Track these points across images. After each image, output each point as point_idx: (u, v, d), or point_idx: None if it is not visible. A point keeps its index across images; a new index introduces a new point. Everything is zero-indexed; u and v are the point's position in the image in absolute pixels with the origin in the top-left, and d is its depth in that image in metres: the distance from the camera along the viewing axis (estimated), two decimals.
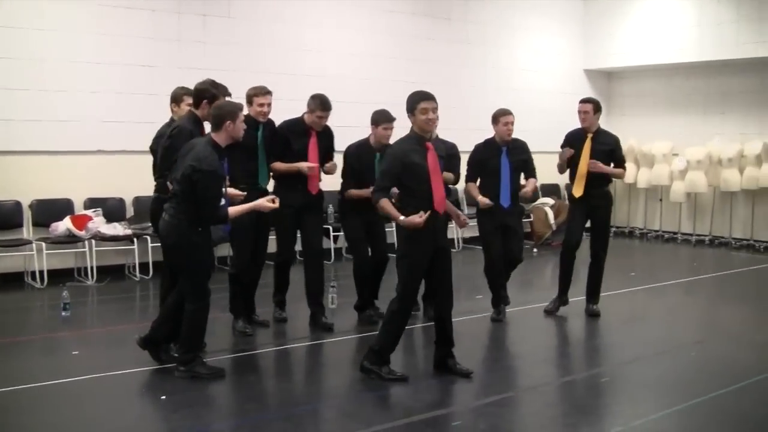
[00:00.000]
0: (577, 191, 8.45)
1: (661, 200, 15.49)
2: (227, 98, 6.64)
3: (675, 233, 15.39)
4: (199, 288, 6.20)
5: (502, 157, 8.15)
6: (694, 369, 6.98)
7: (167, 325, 6.42)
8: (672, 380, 6.60)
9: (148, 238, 10.18)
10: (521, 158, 8.25)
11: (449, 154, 7.60)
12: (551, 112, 14.27)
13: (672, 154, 14.94)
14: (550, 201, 14.35)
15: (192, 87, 6.98)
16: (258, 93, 7.57)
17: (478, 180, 8.30)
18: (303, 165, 7.69)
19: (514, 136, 8.21)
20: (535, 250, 13.18)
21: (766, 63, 14.05)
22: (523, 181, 8.35)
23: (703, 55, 14.42)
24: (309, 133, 7.83)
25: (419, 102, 6.11)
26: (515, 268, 8.53)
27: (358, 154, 8.09)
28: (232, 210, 6.23)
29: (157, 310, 7.30)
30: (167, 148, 6.50)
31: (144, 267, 10.34)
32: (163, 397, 5.91)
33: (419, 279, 6.33)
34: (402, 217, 6.05)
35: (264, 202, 6.41)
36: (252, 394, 6.16)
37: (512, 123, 8.13)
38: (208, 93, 6.57)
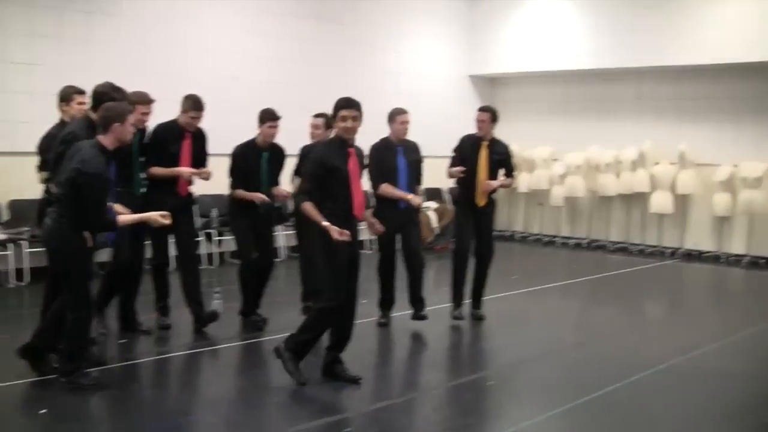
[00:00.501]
0: (481, 200, 8.51)
1: (540, 204, 15.87)
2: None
3: (554, 237, 15.78)
4: (81, 296, 5.98)
5: (399, 156, 8.16)
6: (576, 369, 7.15)
7: (49, 333, 6.19)
8: (556, 381, 6.76)
9: (25, 243, 9.81)
10: (415, 158, 8.28)
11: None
12: (437, 116, 14.44)
13: (552, 160, 15.35)
14: (433, 205, 14.49)
15: (69, 85, 6.85)
16: (143, 102, 7.35)
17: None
18: (185, 171, 7.60)
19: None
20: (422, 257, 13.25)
21: (641, 73, 14.57)
22: None
23: (583, 63, 14.85)
24: (183, 135, 7.73)
25: (340, 109, 6.22)
26: (421, 265, 8.35)
27: (245, 153, 8.06)
28: (123, 218, 6.06)
29: (34, 319, 7.05)
30: (60, 154, 6.26)
31: (19, 273, 9.94)
32: (44, 410, 5.67)
33: (343, 278, 6.24)
34: (325, 222, 6.04)
35: (156, 216, 6.22)
36: (136, 405, 5.99)
37: (408, 122, 8.18)
38: (107, 96, 6.36)
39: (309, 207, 6.16)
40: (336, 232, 5.98)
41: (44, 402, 5.81)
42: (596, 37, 14.63)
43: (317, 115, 8.37)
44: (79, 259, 5.96)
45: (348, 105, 6.23)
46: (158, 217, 6.21)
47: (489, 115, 8.47)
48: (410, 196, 8.03)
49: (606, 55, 14.49)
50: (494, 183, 8.49)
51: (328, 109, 7.98)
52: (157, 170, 7.63)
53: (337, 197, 6.21)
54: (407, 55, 15.24)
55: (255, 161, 8.06)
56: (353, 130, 6.26)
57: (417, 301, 8.32)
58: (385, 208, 8.02)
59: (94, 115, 6.53)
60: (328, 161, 6.20)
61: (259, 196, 7.96)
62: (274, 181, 8.26)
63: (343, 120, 6.19)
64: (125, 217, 6.15)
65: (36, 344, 6.25)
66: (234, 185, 8.12)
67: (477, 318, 8.68)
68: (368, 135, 7.14)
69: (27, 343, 6.29)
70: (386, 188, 8.10)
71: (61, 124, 6.99)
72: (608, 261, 14.00)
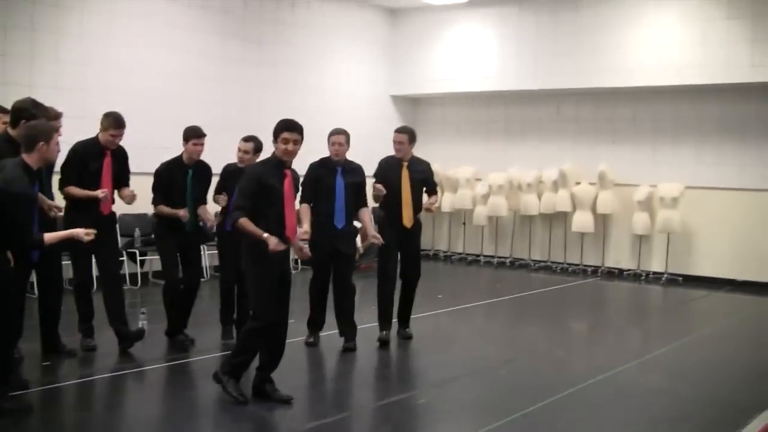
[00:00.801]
0: (408, 221, 8.45)
1: (464, 224, 16.01)
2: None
3: (478, 256, 15.92)
4: (3, 319, 5.79)
5: (337, 176, 8.06)
6: (505, 387, 7.22)
7: None
8: (486, 399, 6.82)
9: None
10: (356, 180, 8.10)
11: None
12: (359, 137, 14.16)
13: (475, 179, 15.52)
14: (357, 224, 14.45)
15: None
16: (55, 117, 7.06)
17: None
18: (98, 193, 7.46)
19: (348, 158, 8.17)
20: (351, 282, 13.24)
21: (561, 95, 14.85)
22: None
23: (504, 85, 15.07)
24: (104, 153, 7.62)
25: (282, 131, 6.20)
26: (350, 296, 8.27)
27: (170, 170, 8.01)
28: (49, 237, 5.90)
29: None
30: None
31: None
32: None
33: (273, 297, 6.20)
34: (266, 235, 5.99)
35: (80, 232, 6.08)
36: (62, 430, 5.84)
37: (341, 143, 8.04)
38: (27, 113, 6.23)
39: (245, 221, 6.09)
40: (274, 243, 5.96)
41: None
42: (517, 60, 14.87)
43: (247, 139, 8.13)
44: (3, 282, 5.75)
45: (290, 128, 6.22)
46: (82, 233, 6.07)
47: (407, 136, 8.43)
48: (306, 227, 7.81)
49: (527, 77, 14.73)
50: (435, 205, 8.67)
51: (254, 129, 8.00)
52: (74, 191, 7.51)
53: (270, 217, 6.17)
54: (330, 74, 15.21)
55: (180, 178, 7.99)
56: (293, 153, 6.26)
57: (347, 329, 8.26)
58: (322, 227, 7.94)
59: (12, 132, 6.41)
60: (263, 179, 6.18)
61: (179, 212, 7.88)
62: (200, 199, 8.17)
63: (285, 142, 6.18)
64: (50, 235, 5.99)
65: None
66: (157, 201, 8.02)
67: (405, 337, 8.66)
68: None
69: None
70: (304, 209, 7.99)
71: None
72: (531, 279, 14.19)
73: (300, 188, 7.08)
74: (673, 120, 14.00)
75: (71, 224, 6.69)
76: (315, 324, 8.43)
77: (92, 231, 6.13)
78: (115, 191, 7.81)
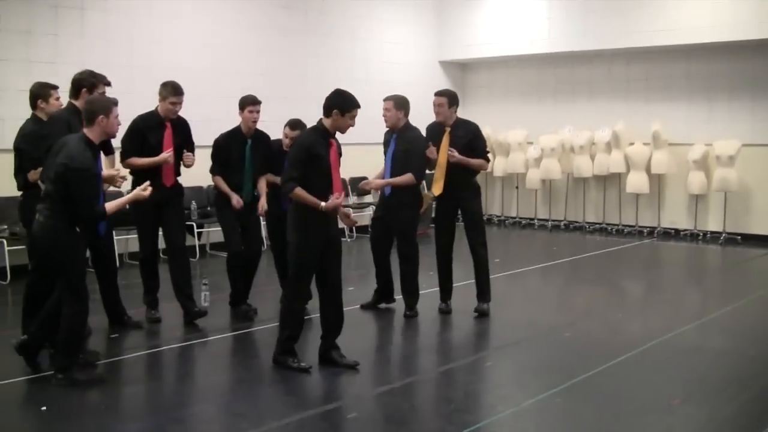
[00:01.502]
0: (437, 189, 8.20)
1: (517, 188, 15.94)
2: (106, 87, 6.57)
3: (531, 219, 15.86)
4: (77, 291, 5.90)
5: (391, 143, 8.11)
6: (570, 349, 7.21)
7: (44, 330, 6.11)
8: (550, 361, 6.81)
9: (3, 241, 9.69)
10: (404, 148, 8.05)
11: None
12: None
13: (527, 143, 15.40)
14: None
15: (41, 82, 6.89)
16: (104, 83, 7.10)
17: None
18: (159, 157, 7.52)
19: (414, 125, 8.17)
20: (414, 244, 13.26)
21: (612, 54, 14.65)
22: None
23: (554, 46, 14.91)
24: (164, 125, 7.67)
25: (355, 108, 6.30)
26: (406, 263, 8.28)
27: (229, 142, 8.06)
28: (109, 206, 5.96)
29: (16, 317, 6.98)
30: (43, 137, 6.17)
31: (1, 272, 9.82)
32: (44, 408, 5.61)
33: (312, 267, 6.33)
34: (323, 203, 6.12)
35: (139, 192, 6.19)
36: (136, 399, 5.94)
37: (387, 109, 8.07)
38: (87, 82, 6.34)
39: (300, 191, 6.19)
40: (332, 204, 6.15)
41: (43, 399, 5.74)
42: (567, 21, 14.69)
43: (293, 127, 8.01)
44: (73, 255, 5.90)
45: (359, 106, 6.35)
46: (141, 192, 6.17)
47: (445, 98, 8.12)
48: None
49: (577, 38, 14.56)
50: (456, 156, 7.94)
51: (301, 100, 7.96)
52: (135, 161, 7.59)
53: (317, 186, 6.24)
54: (377, 42, 15.18)
55: (239, 149, 8.03)
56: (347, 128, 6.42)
57: (407, 296, 8.33)
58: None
59: (77, 103, 6.49)
60: (313, 149, 6.26)
61: (234, 197, 7.94)
62: (260, 170, 8.20)
63: (353, 119, 6.35)
64: (111, 204, 6.02)
65: (31, 341, 6.18)
66: (214, 171, 8.11)
67: (481, 313, 8.22)
68: None
69: (23, 339, 6.23)
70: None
71: (36, 121, 6.88)
72: (587, 242, 14.11)
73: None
74: (728, 76, 13.75)
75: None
76: (379, 291, 8.56)
77: (146, 184, 6.22)
78: (181, 164, 7.86)
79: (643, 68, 14.62)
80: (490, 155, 8.56)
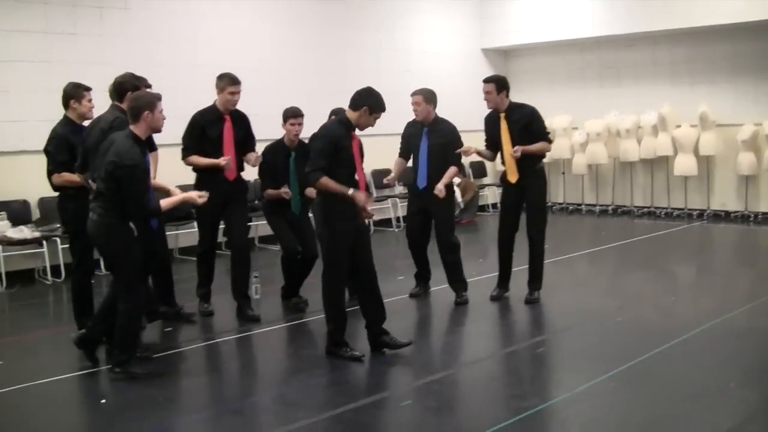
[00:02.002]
0: (512, 176, 8.08)
1: (563, 173, 15.85)
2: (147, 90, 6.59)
3: (579, 204, 15.78)
4: (132, 287, 6.00)
5: (423, 137, 8.17)
6: (622, 334, 7.17)
7: (101, 324, 6.22)
8: (604, 346, 6.78)
9: (58, 239, 9.86)
10: (440, 141, 8.11)
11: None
12: (451, 94, 14.20)
13: (572, 128, 15.31)
14: (456, 179, 14.42)
15: (75, 82, 6.97)
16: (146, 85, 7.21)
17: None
18: (220, 160, 7.55)
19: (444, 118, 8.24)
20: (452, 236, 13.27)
21: (656, 37, 14.50)
22: None
23: (597, 30, 14.77)
24: (222, 118, 7.70)
25: (381, 111, 6.42)
26: (452, 252, 8.30)
27: (274, 153, 8.13)
28: (164, 203, 6.05)
29: (72, 313, 7.11)
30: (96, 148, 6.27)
31: (55, 270, 9.99)
32: (103, 400, 5.73)
33: (345, 258, 6.38)
34: (351, 191, 6.19)
35: (194, 195, 6.24)
36: (193, 391, 6.03)
37: (417, 103, 8.10)
38: (130, 84, 6.44)
39: (327, 180, 6.26)
40: (362, 197, 6.22)
41: (102, 392, 5.87)
42: (610, 4, 14.56)
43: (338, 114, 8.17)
44: (127, 251, 5.98)
45: (384, 109, 6.46)
46: (195, 195, 6.22)
47: (493, 85, 7.95)
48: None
49: (620, 21, 14.43)
50: (516, 153, 7.82)
51: (341, 93, 7.95)
52: (196, 160, 7.65)
53: (343, 177, 6.30)
54: (418, 32, 15.18)
55: (283, 162, 8.09)
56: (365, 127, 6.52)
57: (456, 284, 8.37)
58: (409, 186, 8.11)
59: (121, 105, 6.60)
60: (339, 141, 6.32)
61: (282, 190, 8.00)
62: (305, 182, 8.22)
63: (376, 119, 6.45)
64: (165, 201, 6.12)
65: (89, 335, 6.29)
66: (264, 185, 8.20)
67: (531, 302, 8.17)
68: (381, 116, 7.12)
69: (81, 333, 6.35)
70: (395, 163, 8.47)
71: (67, 122, 6.98)
72: (635, 226, 14.02)
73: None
74: None
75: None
76: (417, 276, 8.62)
77: (205, 194, 6.25)
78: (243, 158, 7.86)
79: (687, 49, 14.44)
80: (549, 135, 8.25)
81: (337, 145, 6.27)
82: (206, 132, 7.63)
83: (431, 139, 8.15)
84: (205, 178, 7.65)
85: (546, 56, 16.33)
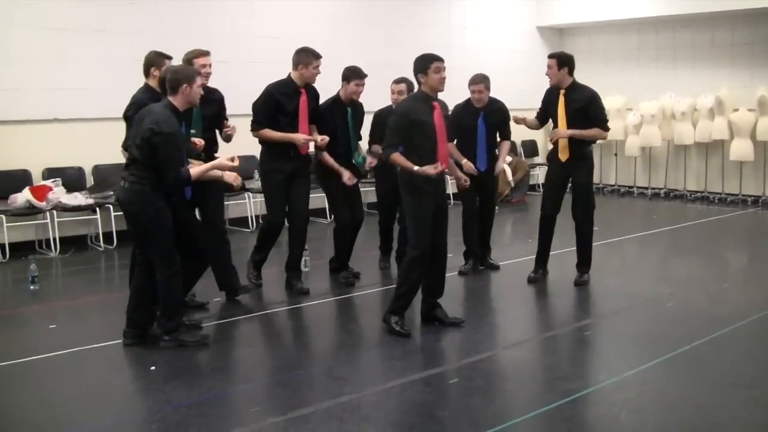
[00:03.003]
0: (563, 155, 7.99)
1: (616, 155, 15.65)
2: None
3: (631, 187, 15.59)
4: (168, 254, 6.02)
5: (479, 120, 8.22)
6: (672, 319, 7.07)
7: (140, 309, 6.22)
8: (654, 331, 6.70)
9: (110, 207, 9.98)
10: (497, 121, 8.38)
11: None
12: (505, 71, 14.17)
13: (626, 109, 15.11)
14: (508, 158, 14.36)
15: (157, 51, 6.90)
16: (197, 55, 7.16)
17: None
18: (299, 138, 7.54)
19: (493, 96, 8.35)
20: (496, 207, 13.20)
21: (715, 18, 14.22)
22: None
23: (654, 10, 14.52)
24: (299, 92, 7.64)
25: (433, 62, 6.33)
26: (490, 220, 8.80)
27: (332, 110, 8.03)
28: (194, 171, 6.03)
29: (124, 280, 7.16)
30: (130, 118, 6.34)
31: (107, 236, 10.14)
32: (153, 368, 5.79)
33: (428, 229, 6.40)
34: (416, 168, 6.18)
35: (224, 161, 6.19)
36: (242, 361, 6.09)
37: (480, 91, 8.24)
38: (157, 63, 6.61)
39: (398, 156, 6.29)
40: (429, 169, 6.14)
41: (152, 359, 5.92)
42: None
43: (398, 81, 8.22)
44: (162, 219, 5.98)
45: (440, 58, 6.38)
46: (226, 162, 6.15)
47: (555, 60, 7.88)
48: (465, 162, 8.16)
49: (678, 1, 14.14)
50: (562, 132, 7.86)
51: (398, 68, 7.95)
52: (271, 134, 7.58)
53: (422, 151, 6.30)
54: (473, 8, 15.06)
55: (342, 117, 8.05)
56: (444, 81, 6.40)
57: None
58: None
59: (149, 82, 6.64)
60: (413, 115, 6.32)
61: (346, 174, 7.93)
62: (358, 137, 8.29)
63: (438, 71, 6.32)
64: (196, 169, 6.07)
65: (133, 324, 6.25)
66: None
67: (579, 284, 8.10)
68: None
69: (126, 328, 6.27)
70: (450, 149, 8.08)
71: (147, 89, 7.01)
72: (687, 210, 13.82)
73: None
74: None
75: (266, 166, 6.94)
76: (467, 254, 8.74)
77: (235, 156, 6.17)
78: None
79: (748, 31, 14.11)
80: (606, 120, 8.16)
81: (410, 119, 6.28)
82: (283, 105, 7.57)
83: (488, 121, 8.31)
84: (275, 151, 7.64)
85: (601, 35, 16.10)
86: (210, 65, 7.20)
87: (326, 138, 7.69)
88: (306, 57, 7.59)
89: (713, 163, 14.57)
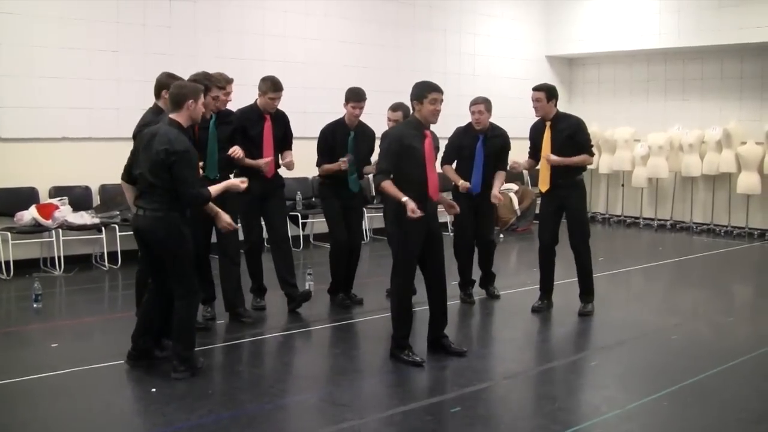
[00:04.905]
0: (543, 185, 8.07)
1: (623, 185, 15.65)
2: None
3: (637, 218, 15.58)
4: (188, 278, 5.95)
5: (478, 144, 8.21)
6: (677, 352, 7.02)
7: (147, 336, 6.18)
8: (658, 363, 6.65)
9: (116, 226, 9.99)
10: (496, 148, 8.31)
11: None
12: (513, 99, 14.14)
13: (634, 140, 15.12)
14: (514, 187, 14.38)
15: (168, 72, 6.87)
16: (223, 83, 7.30)
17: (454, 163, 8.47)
18: (260, 163, 7.65)
19: (496, 123, 8.34)
20: (501, 235, 13.19)
21: (725, 50, 14.24)
22: None
23: (664, 42, 14.56)
24: (263, 117, 7.76)
25: (431, 92, 6.29)
26: (490, 251, 8.67)
27: (334, 131, 8.14)
28: (213, 189, 6.03)
29: (128, 300, 7.16)
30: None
31: (112, 256, 10.13)
32: (154, 389, 5.75)
33: (414, 258, 6.38)
34: (405, 198, 6.13)
35: (236, 182, 6.28)
36: (242, 385, 6.01)
37: (480, 112, 8.19)
38: (167, 85, 6.41)
39: (387, 184, 6.27)
40: (410, 209, 6.06)
41: (154, 381, 5.88)
42: (678, 15, 14.32)
43: (395, 108, 8.24)
44: (185, 242, 5.93)
45: (438, 88, 6.37)
46: (238, 183, 6.26)
47: (544, 93, 7.87)
48: (461, 182, 8.17)
49: (688, 34, 14.18)
50: (553, 158, 7.85)
51: (406, 92, 7.95)
52: (241, 161, 7.59)
53: (412, 178, 6.29)
54: (483, 36, 15.13)
55: (342, 140, 8.12)
56: (439, 113, 6.39)
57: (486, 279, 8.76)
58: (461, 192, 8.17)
59: (159, 104, 6.64)
60: (405, 140, 6.30)
61: (340, 163, 8.00)
62: (364, 161, 8.31)
63: (433, 102, 6.29)
64: (214, 188, 6.10)
65: (140, 349, 6.20)
66: (320, 163, 8.21)
67: (583, 314, 8.07)
68: (447, 119, 7.10)
69: (132, 352, 6.22)
70: (446, 170, 8.36)
71: (157, 111, 7.01)
72: (693, 243, 13.78)
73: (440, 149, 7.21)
74: None
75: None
76: (463, 283, 8.64)
77: (245, 179, 6.34)
78: (279, 155, 7.98)
79: (757, 65, 14.14)
80: (594, 150, 8.34)
81: (402, 144, 6.27)
82: (247, 131, 7.68)
83: (488, 146, 8.25)
84: (244, 175, 7.64)
85: (611, 66, 16.15)
86: (231, 91, 7.38)
87: (268, 159, 7.69)
88: (264, 85, 7.73)
89: (720, 195, 14.54)
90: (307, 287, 8.41)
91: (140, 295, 6.68)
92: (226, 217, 6.42)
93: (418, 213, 6.07)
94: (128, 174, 6.43)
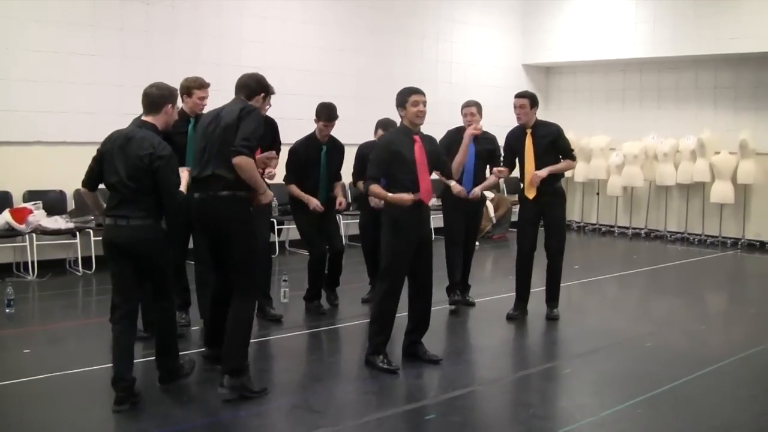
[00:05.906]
0: (530, 193, 8.05)
1: (598, 194, 15.76)
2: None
3: (612, 226, 15.66)
4: (168, 287, 5.83)
5: (470, 145, 8.12)
6: (650, 359, 7.06)
7: (167, 356, 5.94)
8: (632, 371, 6.68)
9: (91, 231, 9.93)
10: (487, 149, 8.34)
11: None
12: (490, 106, 14.09)
13: (609, 149, 15.22)
14: (489, 194, 14.40)
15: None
16: (199, 86, 7.20)
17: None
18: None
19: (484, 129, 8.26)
20: (476, 243, 13.18)
21: (699, 62, 14.38)
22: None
23: (640, 52, 14.68)
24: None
25: (410, 95, 6.35)
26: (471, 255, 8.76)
27: (306, 146, 8.10)
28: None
29: (102, 306, 7.08)
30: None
31: (86, 261, 10.06)
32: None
33: (404, 267, 6.39)
34: (391, 194, 6.20)
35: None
36: (215, 393, 5.98)
37: (473, 114, 8.19)
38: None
39: (374, 187, 6.33)
40: (404, 195, 6.15)
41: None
42: (654, 26, 14.45)
43: (385, 126, 8.13)
44: (168, 252, 5.82)
45: (418, 91, 6.40)
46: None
47: (528, 100, 7.95)
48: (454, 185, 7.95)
49: (664, 44, 14.31)
50: (541, 173, 7.89)
51: (386, 101, 7.97)
52: None
53: (403, 184, 6.30)
54: (460, 44, 15.18)
55: (315, 155, 8.08)
56: (424, 114, 6.42)
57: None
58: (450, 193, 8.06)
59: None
60: (392, 146, 6.35)
61: (313, 202, 7.96)
62: (333, 176, 8.27)
63: (415, 105, 6.34)
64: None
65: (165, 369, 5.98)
66: (289, 180, 8.12)
67: (551, 319, 8.19)
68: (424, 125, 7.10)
69: (160, 375, 5.98)
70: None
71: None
72: (668, 251, 13.87)
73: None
74: None
75: None
76: (451, 288, 8.60)
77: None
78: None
79: (732, 75, 14.29)
80: (575, 154, 8.43)
81: (390, 150, 6.32)
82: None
83: (478, 149, 8.27)
84: None
85: (587, 75, 16.25)
86: (207, 96, 7.25)
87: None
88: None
89: (694, 204, 14.67)
90: (282, 294, 8.37)
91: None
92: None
93: (410, 196, 6.17)
94: (91, 181, 5.79)
